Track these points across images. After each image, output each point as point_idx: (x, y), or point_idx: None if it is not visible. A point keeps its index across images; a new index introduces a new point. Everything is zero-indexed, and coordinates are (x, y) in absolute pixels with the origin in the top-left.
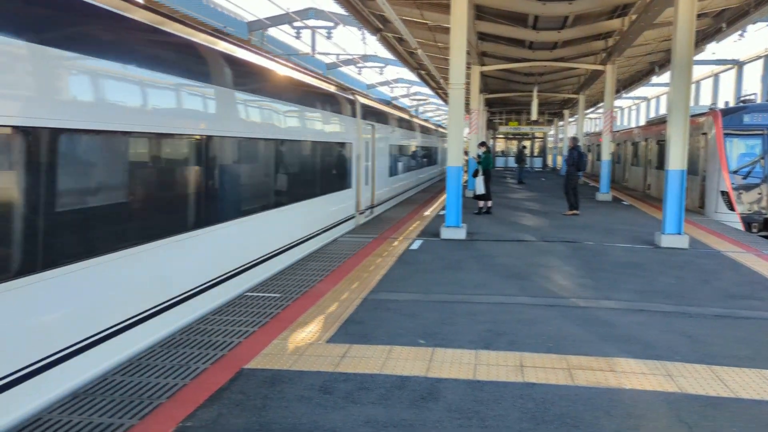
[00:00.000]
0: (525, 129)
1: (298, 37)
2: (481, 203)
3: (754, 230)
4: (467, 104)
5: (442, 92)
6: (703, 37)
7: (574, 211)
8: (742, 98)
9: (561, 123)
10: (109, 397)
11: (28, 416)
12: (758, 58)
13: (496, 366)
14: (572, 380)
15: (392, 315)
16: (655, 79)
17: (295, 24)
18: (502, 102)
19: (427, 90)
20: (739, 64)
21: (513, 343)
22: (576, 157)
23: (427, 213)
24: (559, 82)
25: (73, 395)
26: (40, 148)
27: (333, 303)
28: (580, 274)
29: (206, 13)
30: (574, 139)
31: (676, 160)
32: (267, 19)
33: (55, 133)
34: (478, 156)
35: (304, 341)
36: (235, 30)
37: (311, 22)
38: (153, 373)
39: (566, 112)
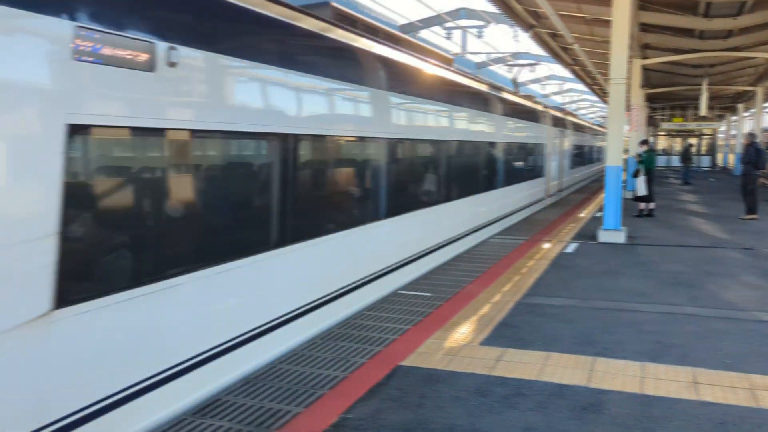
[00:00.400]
0: (691, 125)
1: (448, 38)
2: (643, 205)
3: None
4: (627, 100)
5: (597, 88)
6: None
7: (752, 216)
8: None
9: (734, 118)
10: (276, 384)
11: (209, 396)
12: None
13: (666, 381)
14: (756, 402)
15: (548, 320)
16: None
17: (446, 24)
18: (666, 97)
19: (581, 86)
20: None
21: (684, 357)
22: (753, 154)
23: (581, 215)
24: (732, 74)
25: (245, 381)
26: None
27: (485, 305)
28: (762, 285)
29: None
30: (751, 135)
31: None
32: (419, 21)
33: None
34: (639, 155)
35: (458, 342)
36: None
37: (462, 22)
38: (315, 364)
39: (740, 106)
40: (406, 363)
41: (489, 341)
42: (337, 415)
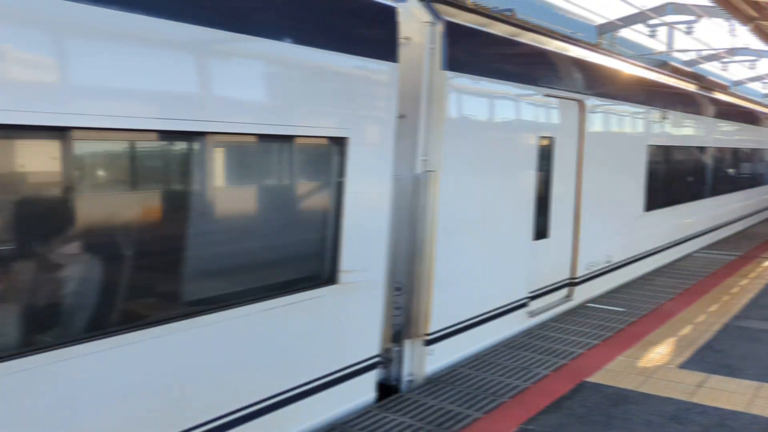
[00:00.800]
0: None
1: (652, 36)
2: None
3: None
4: None
5: None
6: None
7: None
8: None
9: None
10: (457, 387)
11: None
12: None
13: None
14: None
15: (763, 347)
16: None
17: (650, 22)
18: None
19: None
20: None
21: None
22: None
23: None
24: None
25: (426, 380)
26: None
27: (686, 325)
28: None
29: (555, 21)
30: None
31: None
32: (619, 20)
33: None
34: None
35: (652, 363)
36: (584, 35)
37: (668, 18)
38: (496, 371)
39: None
40: (592, 379)
41: (689, 365)
42: (517, 424)
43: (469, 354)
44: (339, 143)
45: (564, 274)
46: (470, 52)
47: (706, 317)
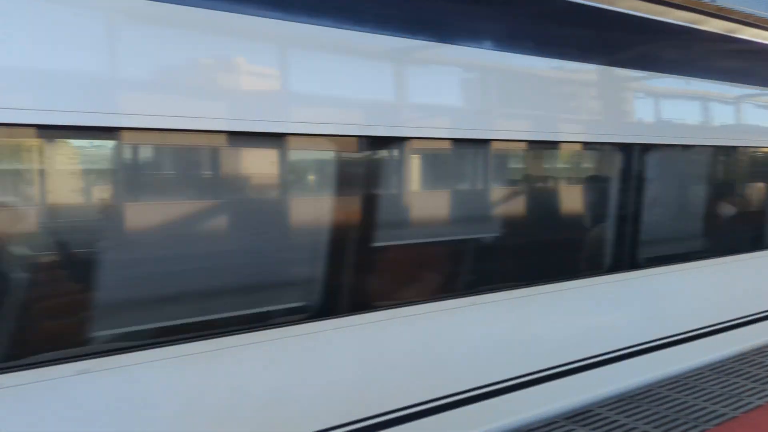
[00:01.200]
0: None
1: None
2: None
3: None
4: None
5: None
6: None
7: None
8: None
9: None
10: (653, 408)
11: (581, 405)
12: None
13: None
14: None
15: None
16: None
17: None
18: None
19: None
20: None
21: None
22: None
23: None
24: None
25: (619, 397)
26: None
27: None
28: None
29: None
30: None
31: None
32: None
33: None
34: None
35: None
36: None
37: None
38: (699, 395)
39: None
40: None
41: None
42: None
43: None
44: None
45: None
46: None
47: None
